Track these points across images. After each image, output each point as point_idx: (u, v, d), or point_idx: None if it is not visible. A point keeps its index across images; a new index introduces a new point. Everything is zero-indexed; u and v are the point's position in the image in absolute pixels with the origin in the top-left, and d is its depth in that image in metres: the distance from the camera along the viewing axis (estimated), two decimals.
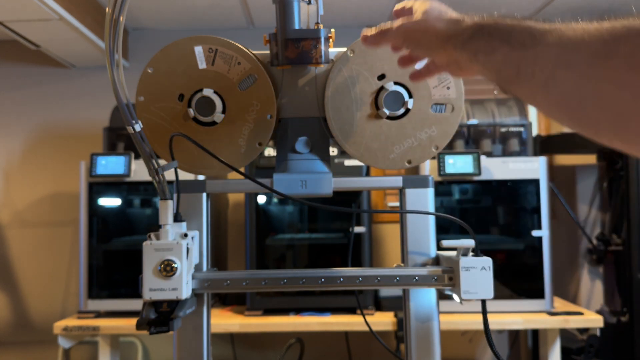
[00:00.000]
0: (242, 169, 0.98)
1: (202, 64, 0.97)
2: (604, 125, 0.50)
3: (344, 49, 0.99)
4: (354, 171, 2.37)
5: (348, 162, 2.38)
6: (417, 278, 0.95)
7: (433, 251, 0.99)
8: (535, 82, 0.56)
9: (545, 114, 0.60)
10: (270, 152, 2.41)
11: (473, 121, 2.60)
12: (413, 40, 0.76)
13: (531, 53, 0.56)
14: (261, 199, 2.50)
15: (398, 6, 0.81)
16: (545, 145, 2.82)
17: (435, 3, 0.76)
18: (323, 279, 0.95)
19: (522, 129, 2.58)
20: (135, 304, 2.37)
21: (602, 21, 0.54)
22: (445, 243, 0.96)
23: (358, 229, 2.40)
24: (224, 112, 0.98)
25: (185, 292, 0.88)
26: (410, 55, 0.85)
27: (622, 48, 0.49)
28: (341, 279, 0.95)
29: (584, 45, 0.52)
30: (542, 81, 0.55)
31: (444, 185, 2.45)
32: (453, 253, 0.96)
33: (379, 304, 2.45)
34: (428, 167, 2.38)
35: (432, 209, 0.99)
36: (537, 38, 0.56)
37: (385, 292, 2.45)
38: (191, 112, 0.96)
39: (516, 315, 2.29)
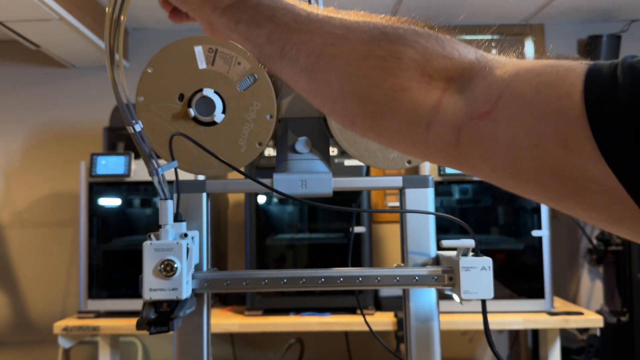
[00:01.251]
0: (242, 169, 0.98)
1: (202, 64, 0.97)
2: (360, 117, 0.56)
3: None
4: (354, 171, 2.37)
5: (348, 162, 2.38)
6: (417, 278, 0.95)
7: (433, 251, 0.99)
8: (299, 66, 0.58)
9: (307, 98, 0.61)
10: (270, 152, 2.41)
11: None
12: None
13: (296, 37, 0.58)
14: (261, 199, 2.51)
15: None
16: None
17: None
18: (323, 279, 0.95)
19: None
20: (135, 304, 2.37)
21: (363, 17, 0.58)
22: (445, 243, 0.96)
23: (358, 229, 2.40)
24: (224, 112, 0.98)
25: (185, 292, 0.88)
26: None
27: (377, 51, 0.54)
28: (341, 279, 0.95)
29: (345, 42, 0.56)
30: (306, 67, 0.58)
31: (444, 185, 2.45)
32: (453, 253, 0.96)
33: (379, 304, 2.45)
34: (428, 167, 2.38)
35: (432, 209, 0.99)
36: (302, 24, 0.59)
37: (385, 292, 2.45)
38: (191, 112, 0.96)
39: (516, 315, 2.29)
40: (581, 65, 0.44)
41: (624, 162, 0.39)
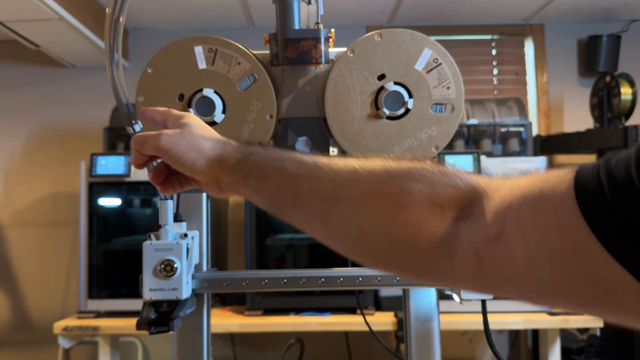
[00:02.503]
0: None
1: (202, 64, 0.97)
2: (382, 255, 0.58)
3: (344, 49, 0.99)
4: None
5: None
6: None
7: None
8: (313, 212, 0.62)
9: (324, 241, 0.63)
10: None
11: (473, 121, 2.60)
12: (174, 155, 0.70)
13: (306, 185, 0.62)
14: None
15: (146, 109, 0.77)
16: (545, 145, 2.83)
17: (196, 118, 0.74)
18: (323, 279, 0.95)
19: (522, 129, 2.58)
20: (135, 304, 2.36)
21: (367, 159, 0.61)
22: None
23: None
24: (224, 112, 0.98)
25: (185, 292, 0.88)
26: (167, 168, 0.77)
27: (387, 189, 0.57)
28: (341, 279, 0.95)
29: (355, 183, 0.59)
30: (321, 212, 0.61)
31: None
32: None
33: (379, 304, 2.45)
34: None
35: None
36: (310, 171, 0.62)
37: (385, 292, 2.45)
38: (191, 112, 0.96)
39: (516, 315, 2.29)
40: (568, 174, 0.46)
41: (634, 258, 0.41)
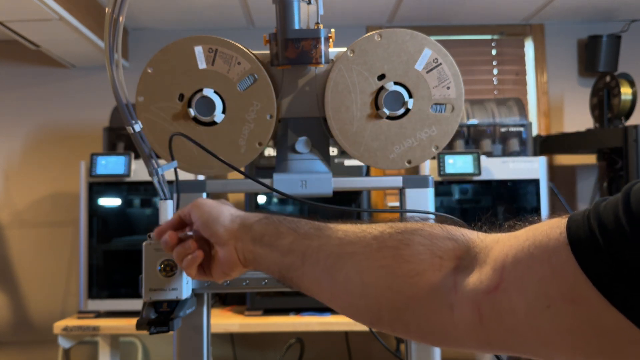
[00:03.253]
0: (242, 169, 0.98)
1: (202, 64, 0.97)
2: (385, 310, 0.59)
3: (344, 49, 0.99)
4: (354, 171, 2.36)
5: (348, 162, 2.38)
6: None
7: None
8: (320, 268, 0.63)
9: (329, 302, 0.65)
10: (270, 152, 2.41)
11: (473, 121, 2.60)
12: (203, 211, 0.76)
13: (315, 242, 0.65)
14: (261, 199, 2.50)
15: (168, 234, 0.79)
16: (545, 145, 2.83)
17: (205, 205, 0.76)
18: None
19: (522, 129, 2.58)
20: (135, 304, 2.36)
21: (376, 223, 0.64)
22: None
23: None
24: (224, 112, 0.98)
25: (185, 292, 0.88)
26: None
27: (389, 242, 0.59)
28: None
29: (360, 239, 0.61)
30: (327, 268, 0.63)
31: (444, 185, 2.45)
32: None
33: None
34: (428, 167, 2.38)
35: (432, 209, 0.99)
36: (321, 230, 0.65)
37: None
38: (191, 112, 0.96)
39: None
40: (561, 222, 0.47)
41: (631, 302, 0.41)
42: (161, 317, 0.86)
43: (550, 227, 0.47)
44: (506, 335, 0.50)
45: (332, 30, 0.99)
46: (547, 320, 0.46)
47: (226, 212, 0.75)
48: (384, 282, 0.58)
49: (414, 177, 1.00)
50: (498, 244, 0.52)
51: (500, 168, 2.38)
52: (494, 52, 3.13)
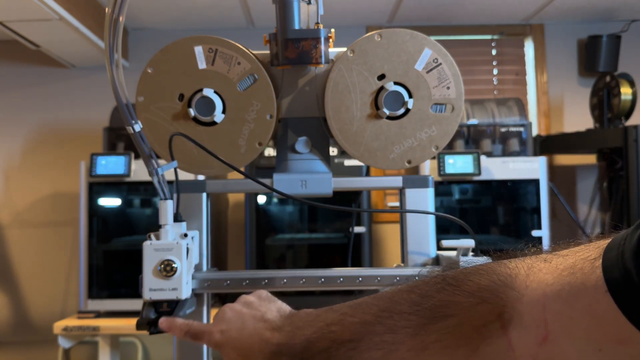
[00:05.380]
0: (242, 169, 0.98)
1: (202, 64, 0.97)
2: None
3: (344, 49, 0.99)
4: (354, 171, 2.37)
5: (348, 162, 2.38)
6: (417, 278, 0.95)
7: (433, 251, 0.99)
8: None
9: None
10: (270, 152, 2.41)
11: (473, 121, 2.60)
12: None
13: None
14: (261, 199, 2.50)
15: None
16: (545, 145, 2.83)
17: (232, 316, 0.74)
18: (323, 279, 0.95)
19: (522, 129, 2.58)
20: (135, 304, 2.36)
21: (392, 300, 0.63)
22: (445, 243, 0.96)
23: (358, 229, 2.40)
24: (224, 112, 0.98)
25: (185, 292, 0.88)
26: None
27: (429, 338, 0.57)
28: (341, 279, 0.95)
29: (398, 344, 0.60)
30: None
31: (444, 185, 2.45)
32: (453, 253, 0.96)
33: None
34: (428, 167, 2.38)
35: (432, 209, 0.99)
36: (354, 347, 0.64)
37: None
38: (191, 112, 0.96)
39: None
40: (594, 265, 0.47)
41: None
42: (161, 317, 0.86)
43: (583, 273, 0.48)
44: None
45: (332, 30, 0.99)
46: None
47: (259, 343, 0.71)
48: None
49: (414, 177, 1.00)
50: (530, 292, 0.52)
51: (500, 168, 2.38)
52: (494, 52, 3.13)
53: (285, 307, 0.76)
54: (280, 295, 2.38)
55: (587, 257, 0.49)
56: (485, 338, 0.55)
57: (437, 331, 0.57)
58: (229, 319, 0.74)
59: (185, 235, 0.91)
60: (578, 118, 3.01)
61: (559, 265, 0.51)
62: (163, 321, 0.80)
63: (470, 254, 0.94)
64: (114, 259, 2.45)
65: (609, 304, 0.45)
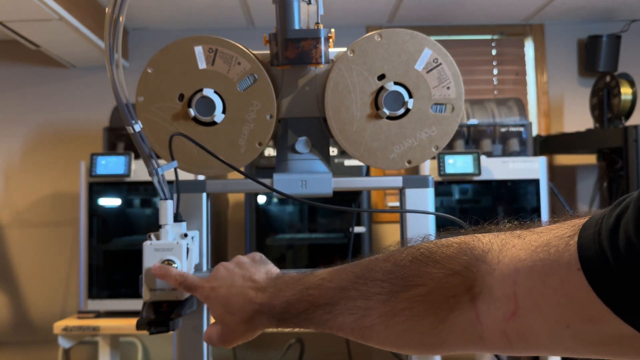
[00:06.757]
0: (242, 169, 0.98)
1: (202, 64, 0.97)
2: (422, 353, 0.65)
3: (344, 49, 0.99)
4: (354, 171, 2.36)
5: (348, 162, 2.38)
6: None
7: None
8: (352, 337, 0.66)
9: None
10: (270, 152, 2.41)
11: (473, 121, 2.60)
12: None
13: (332, 323, 0.67)
14: (261, 199, 2.50)
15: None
16: (545, 145, 2.83)
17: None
18: None
19: (522, 129, 2.58)
20: (135, 304, 2.36)
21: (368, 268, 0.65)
22: None
23: (358, 229, 2.40)
24: (224, 112, 0.98)
25: (185, 292, 0.88)
26: None
27: (400, 305, 0.60)
28: None
29: (370, 309, 0.62)
30: (358, 338, 0.66)
31: (444, 185, 2.45)
32: None
33: None
34: (428, 167, 2.38)
35: (432, 209, 0.99)
36: (330, 311, 0.67)
37: None
38: (191, 112, 0.96)
39: None
40: (569, 242, 0.47)
41: None
42: (161, 317, 0.86)
43: (557, 249, 0.47)
44: (536, 352, 0.52)
45: (332, 30, 0.99)
46: (569, 339, 0.47)
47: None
48: (413, 341, 0.60)
49: (414, 177, 1.00)
50: (501, 267, 0.52)
51: (500, 168, 2.38)
52: (494, 52, 3.13)
53: (274, 270, 0.79)
54: None
55: (561, 234, 0.48)
56: (453, 309, 0.55)
57: (407, 299, 0.58)
58: (220, 277, 0.78)
59: (185, 235, 0.91)
60: (578, 118, 3.01)
61: (532, 242, 0.51)
62: (157, 268, 0.84)
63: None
64: (114, 259, 2.45)
65: (581, 282, 0.44)
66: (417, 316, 0.58)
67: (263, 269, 0.79)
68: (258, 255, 0.83)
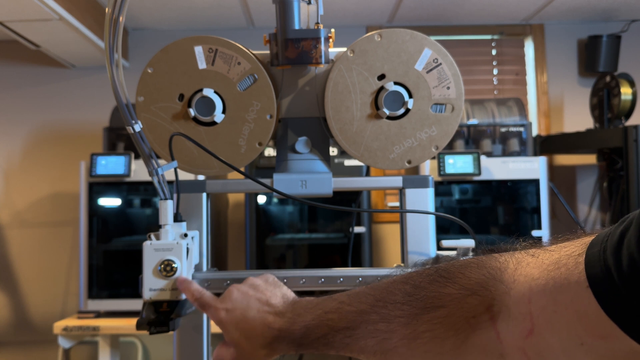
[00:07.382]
0: (242, 169, 0.98)
1: (202, 64, 0.97)
2: None
3: (344, 49, 0.99)
4: (354, 171, 2.37)
5: (348, 162, 2.38)
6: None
7: (433, 251, 0.99)
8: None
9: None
10: (270, 152, 2.41)
11: (473, 121, 2.60)
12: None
13: (354, 346, 0.66)
14: (261, 199, 2.50)
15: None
16: (545, 145, 2.83)
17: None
18: (323, 279, 0.95)
19: (522, 129, 2.58)
20: (135, 304, 2.37)
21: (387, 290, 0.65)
22: (445, 243, 0.96)
23: (358, 229, 2.40)
24: (224, 112, 0.98)
25: None
26: None
27: (421, 327, 0.60)
28: (341, 279, 0.95)
29: (392, 333, 0.62)
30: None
31: (444, 185, 2.45)
32: (453, 253, 0.96)
33: None
34: (428, 167, 2.38)
35: (432, 209, 0.99)
36: (351, 335, 0.67)
37: None
38: (191, 112, 0.96)
39: None
40: (578, 261, 0.48)
41: None
42: (161, 317, 0.86)
43: (567, 268, 0.48)
44: None
45: (332, 30, 0.99)
46: (584, 354, 0.48)
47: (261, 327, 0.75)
48: None
49: (414, 177, 1.00)
50: (517, 286, 0.53)
51: (500, 168, 2.38)
52: (494, 52, 3.13)
53: (289, 294, 0.78)
54: None
55: (571, 252, 0.49)
56: (474, 329, 0.56)
57: (428, 321, 0.58)
58: (235, 299, 0.77)
59: (185, 235, 0.91)
60: (578, 118, 3.01)
61: (545, 260, 0.51)
62: (182, 281, 0.84)
63: (470, 254, 0.94)
64: (114, 259, 2.45)
65: (590, 300, 0.45)
66: (439, 337, 0.58)
67: (279, 292, 0.78)
68: (271, 277, 0.82)
